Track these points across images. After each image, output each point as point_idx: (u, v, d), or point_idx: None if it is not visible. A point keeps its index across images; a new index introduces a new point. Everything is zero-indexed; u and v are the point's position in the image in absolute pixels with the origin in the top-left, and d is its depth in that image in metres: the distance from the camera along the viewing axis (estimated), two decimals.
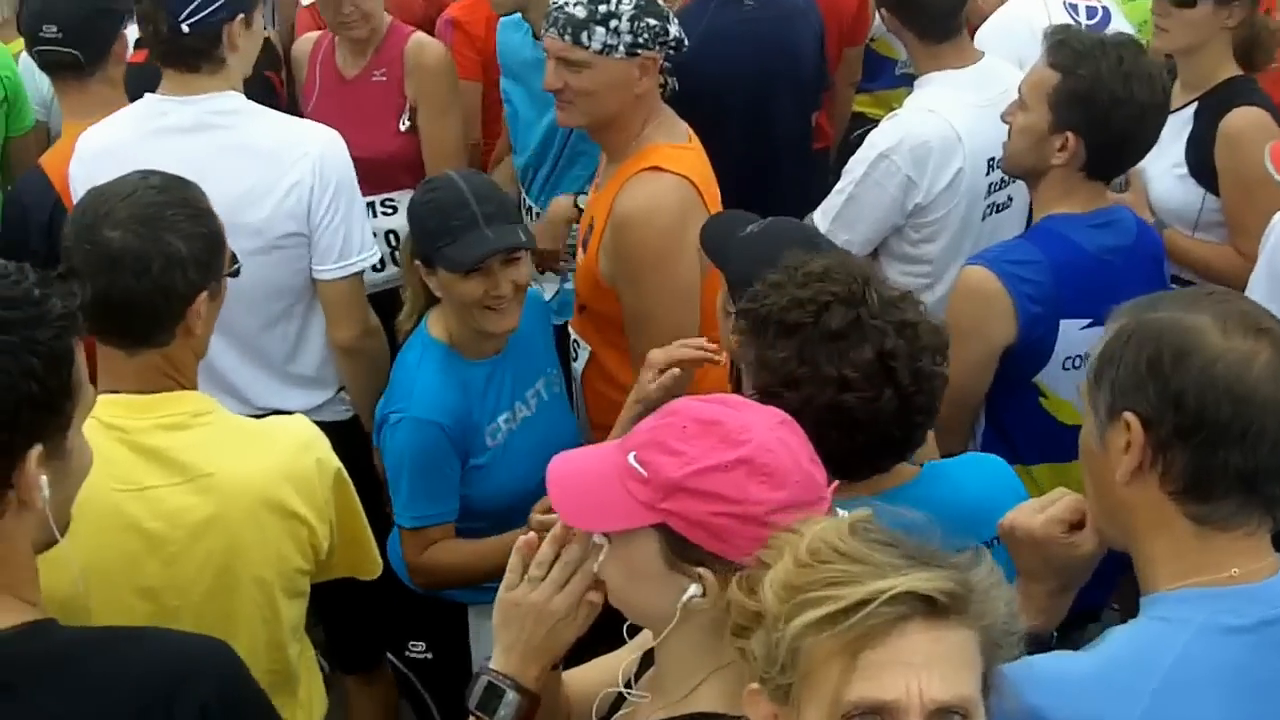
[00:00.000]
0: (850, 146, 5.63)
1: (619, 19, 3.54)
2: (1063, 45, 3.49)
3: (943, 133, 4.06)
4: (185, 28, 3.62)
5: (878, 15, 4.84)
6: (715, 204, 3.66)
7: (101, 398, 2.44)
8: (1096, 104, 3.42)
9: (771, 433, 2.02)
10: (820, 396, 2.43)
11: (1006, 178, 4.11)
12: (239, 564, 2.67)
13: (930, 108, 4.11)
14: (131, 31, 4.81)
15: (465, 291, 3.36)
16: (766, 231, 3.01)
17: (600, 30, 3.54)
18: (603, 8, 3.54)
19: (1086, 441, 2.11)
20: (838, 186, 4.21)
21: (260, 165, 3.63)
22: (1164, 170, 4.19)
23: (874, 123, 5.74)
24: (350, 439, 3.67)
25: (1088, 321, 3.44)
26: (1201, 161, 4.16)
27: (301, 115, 4.75)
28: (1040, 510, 2.26)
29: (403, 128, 4.60)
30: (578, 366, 3.88)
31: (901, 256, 4.21)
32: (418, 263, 3.43)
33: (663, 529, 1.98)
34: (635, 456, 2.03)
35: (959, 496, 2.64)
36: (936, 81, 4.19)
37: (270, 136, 3.70)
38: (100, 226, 2.59)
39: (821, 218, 4.18)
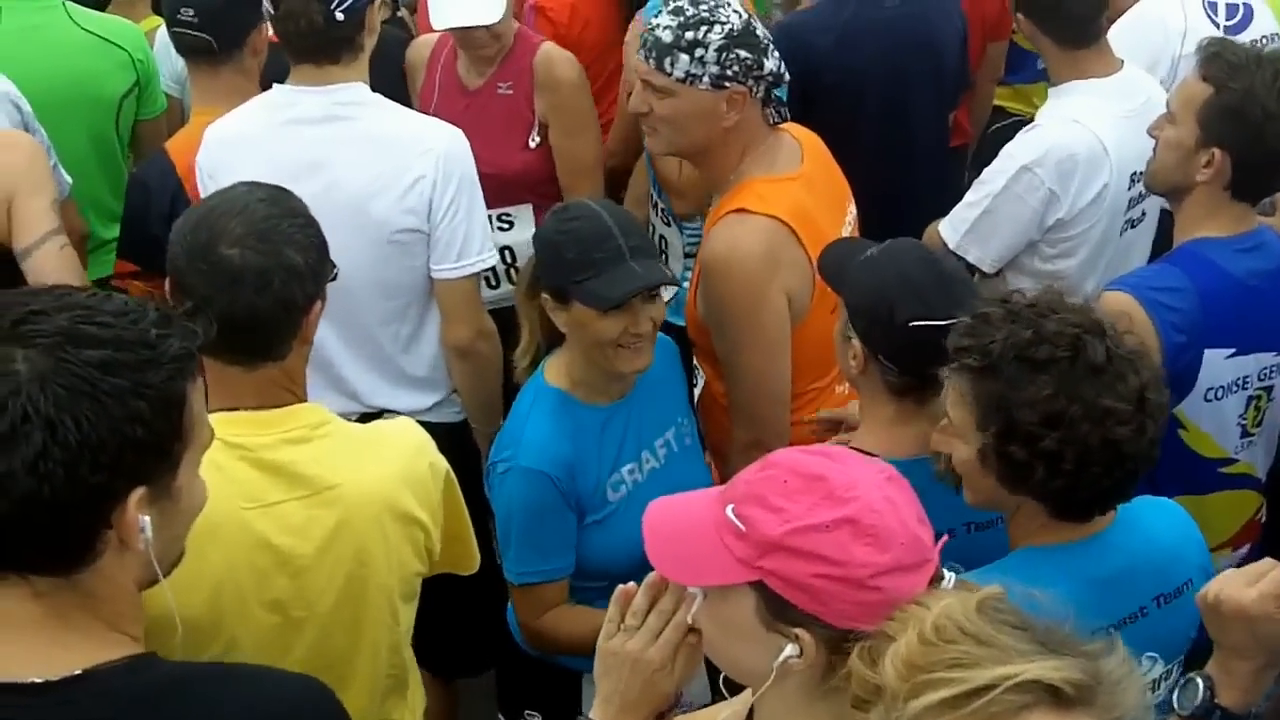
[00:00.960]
0: (988, 141, 5.57)
1: (705, 48, 3.42)
2: (1217, 58, 3.37)
3: (1089, 145, 3.94)
4: (340, 15, 3.60)
5: None
6: (820, 234, 3.47)
7: (221, 416, 2.46)
8: (1248, 120, 3.31)
9: (878, 491, 1.96)
10: (1094, 433, 2.42)
11: (1144, 192, 3.99)
12: (365, 572, 2.69)
13: (1075, 118, 3.97)
14: None
15: (602, 329, 3.15)
16: (887, 253, 2.95)
17: (685, 58, 3.42)
18: (690, 34, 3.43)
19: None
20: (969, 199, 4.07)
21: (384, 157, 3.62)
22: None
23: (1014, 117, 5.71)
24: (460, 442, 3.70)
25: (1233, 350, 3.38)
26: None
27: None
28: (1251, 583, 2.19)
29: (532, 144, 4.43)
30: (696, 391, 3.85)
31: (1033, 273, 4.05)
32: (545, 296, 3.23)
33: (760, 587, 1.93)
34: (734, 510, 1.99)
35: (1154, 545, 2.66)
36: (1079, 90, 4.05)
37: (395, 129, 3.70)
38: (216, 245, 2.58)
39: (951, 231, 4.06)
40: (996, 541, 2.87)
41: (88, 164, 4.77)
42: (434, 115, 4.17)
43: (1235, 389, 3.43)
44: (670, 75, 3.45)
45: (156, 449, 1.88)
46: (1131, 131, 3.87)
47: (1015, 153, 4.02)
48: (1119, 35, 4.70)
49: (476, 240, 3.70)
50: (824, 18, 4.64)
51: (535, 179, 4.40)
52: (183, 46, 4.28)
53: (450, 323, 3.77)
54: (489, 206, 3.85)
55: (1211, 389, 3.37)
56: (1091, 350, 2.45)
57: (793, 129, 3.69)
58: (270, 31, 4.21)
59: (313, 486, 2.62)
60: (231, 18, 4.19)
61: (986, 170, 4.10)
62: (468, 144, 3.73)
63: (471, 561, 3.01)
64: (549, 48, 4.50)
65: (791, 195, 3.51)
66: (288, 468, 2.61)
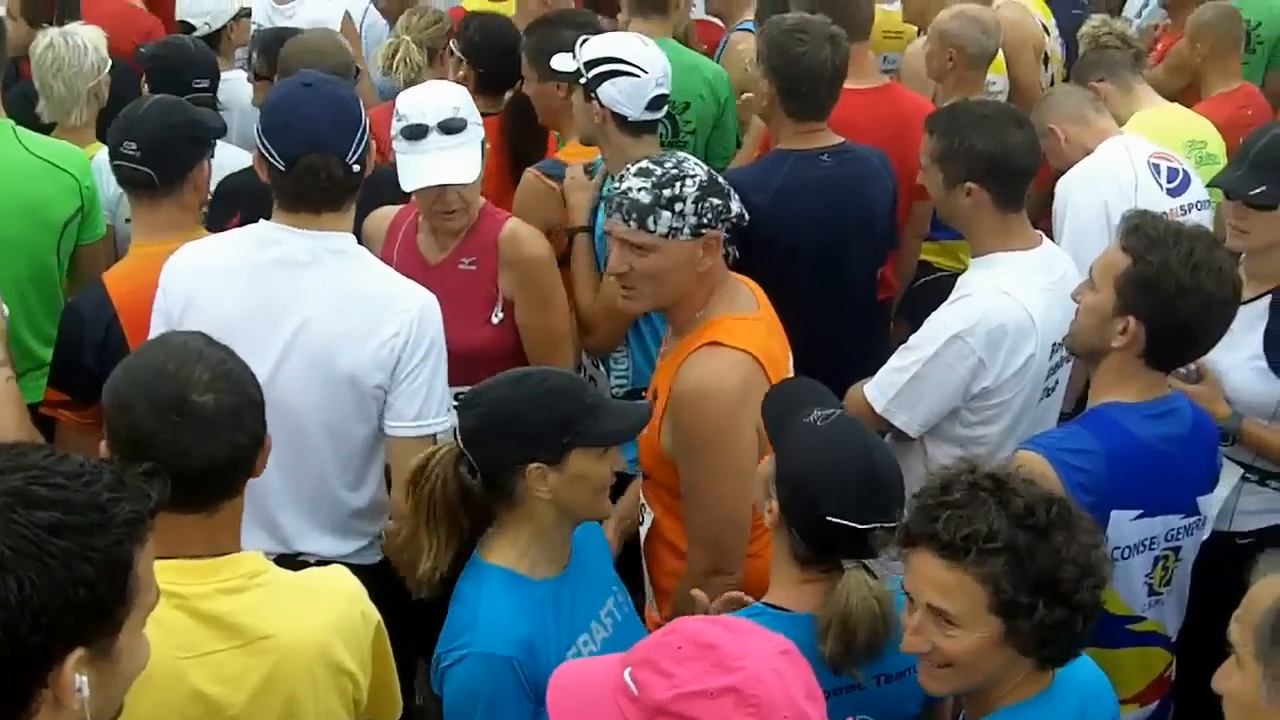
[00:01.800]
0: (914, 295, 5.72)
1: (684, 202, 3.57)
2: (1136, 230, 3.52)
3: (1018, 316, 4.01)
4: (356, 167, 3.65)
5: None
6: (780, 373, 3.66)
7: (160, 564, 2.43)
8: (1162, 291, 3.44)
9: (767, 663, 2.03)
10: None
11: (1060, 361, 4.11)
12: None
13: (1004, 289, 4.04)
14: (227, 159, 4.96)
15: (598, 472, 3.11)
16: (827, 434, 2.99)
17: (666, 215, 3.57)
18: (667, 192, 3.58)
19: (1247, 695, 2.14)
20: (897, 363, 4.13)
21: (361, 311, 3.64)
22: (1241, 362, 4.15)
23: (940, 272, 5.85)
24: (382, 582, 3.66)
25: (1139, 512, 3.49)
26: None
27: None
28: None
29: (494, 320, 4.34)
30: (643, 530, 3.88)
31: (953, 438, 4.12)
32: (532, 468, 3.04)
33: None
34: (630, 673, 2.06)
35: (1087, 690, 2.84)
36: (1005, 262, 4.12)
37: (376, 284, 3.72)
38: (188, 395, 2.61)
39: (879, 395, 4.12)
40: (908, 693, 2.97)
41: (26, 286, 4.84)
42: None
43: (1142, 549, 3.53)
44: (654, 233, 3.58)
45: (98, 612, 1.91)
46: (1053, 302, 4.00)
47: (946, 320, 4.07)
48: (1073, 186, 4.92)
49: (435, 402, 3.71)
50: (761, 175, 4.79)
51: (494, 355, 4.24)
52: (124, 179, 4.34)
53: (402, 481, 3.68)
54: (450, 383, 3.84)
55: (1118, 548, 3.46)
56: (1064, 509, 2.66)
57: (738, 276, 3.83)
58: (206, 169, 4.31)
59: (247, 636, 2.64)
60: (174, 153, 4.27)
61: (915, 336, 4.15)
62: (439, 309, 3.76)
63: (395, 709, 3.03)
64: (515, 224, 4.41)
65: (757, 333, 3.67)
66: (223, 618, 2.63)
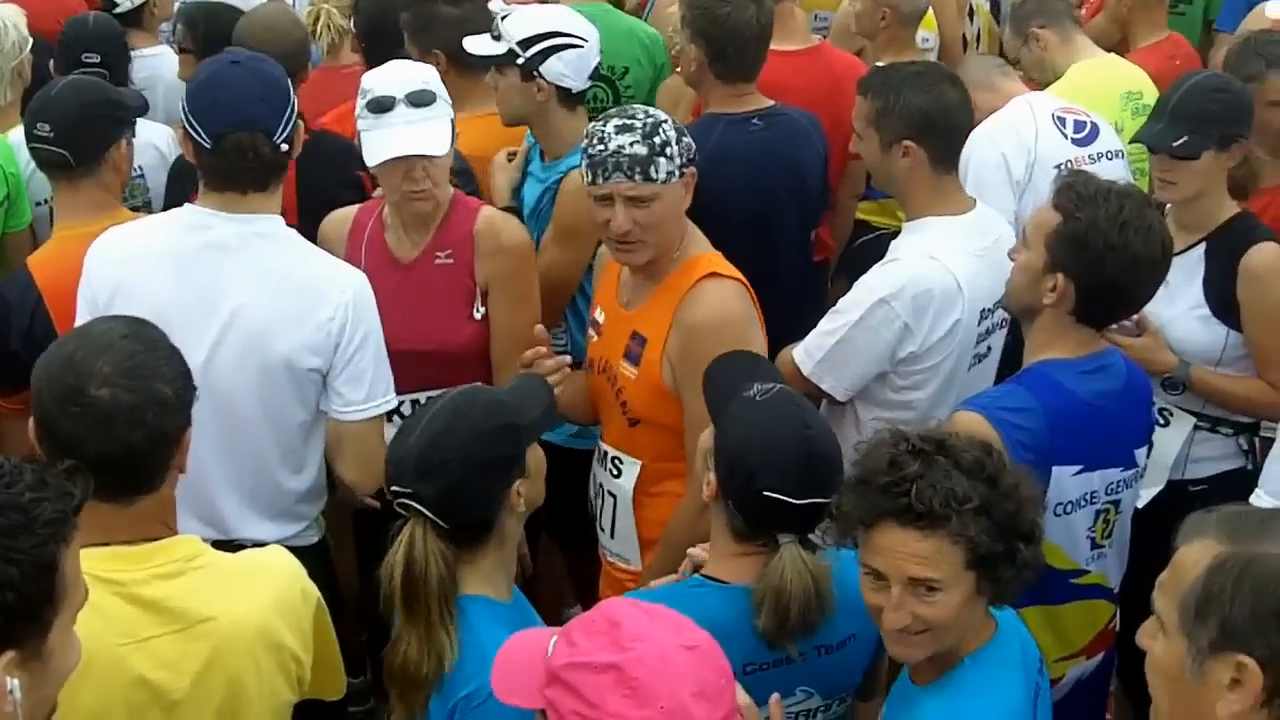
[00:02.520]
0: (851, 255, 5.72)
1: (671, 145, 3.68)
2: (1068, 189, 3.55)
3: (945, 281, 3.99)
4: (284, 146, 3.59)
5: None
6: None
7: (94, 551, 2.46)
8: (1090, 249, 3.47)
9: (662, 651, 2.07)
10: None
11: (991, 328, 4.12)
12: (238, 704, 2.70)
13: (932, 254, 4.02)
14: (152, 136, 4.89)
15: (540, 455, 3.12)
16: (765, 409, 2.99)
17: (663, 161, 3.66)
18: (657, 139, 3.67)
19: (1170, 665, 2.10)
20: (825, 327, 4.11)
21: (294, 295, 3.59)
22: (1182, 313, 4.22)
23: (877, 230, 5.85)
24: (321, 561, 3.71)
25: (1080, 467, 3.52)
26: (1223, 300, 4.20)
27: None
28: None
29: (477, 315, 4.14)
30: (623, 483, 3.87)
31: (883, 403, 4.10)
32: (516, 486, 2.98)
33: (543, 716, 2.05)
34: (554, 639, 2.12)
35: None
36: (935, 226, 4.10)
37: (307, 268, 3.67)
38: (86, 387, 2.58)
39: (806, 358, 4.09)
40: (850, 663, 3.01)
41: None
42: None
43: (1083, 504, 3.56)
44: (656, 180, 3.65)
45: (26, 614, 1.90)
46: (983, 268, 4.00)
47: (873, 285, 4.06)
48: (976, 141, 4.90)
49: (382, 382, 3.69)
50: (693, 139, 4.75)
51: (480, 352, 4.16)
52: (40, 161, 4.29)
53: (347, 463, 3.73)
54: (431, 387, 3.79)
55: (1060, 504, 3.50)
56: (997, 453, 2.75)
57: None
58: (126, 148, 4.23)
59: (186, 620, 2.62)
60: (88, 133, 4.22)
61: (842, 300, 4.14)
62: (371, 290, 3.71)
63: (339, 685, 3.03)
64: (491, 212, 4.25)
65: (731, 266, 3.81)
66: (161, 603, 2.61)
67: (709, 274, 3.72)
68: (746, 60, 4.86)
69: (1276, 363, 4.18)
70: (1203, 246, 4.24)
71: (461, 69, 4.83)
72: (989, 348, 4.21)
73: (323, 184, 4.75)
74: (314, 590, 2.86)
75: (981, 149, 4.90)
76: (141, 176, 5.13)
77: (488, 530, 2.96)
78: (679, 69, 5.54)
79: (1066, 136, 5.10)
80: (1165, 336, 4.20)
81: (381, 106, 3.98)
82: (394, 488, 2.94)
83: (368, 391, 3.66)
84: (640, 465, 3.84)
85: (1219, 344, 4.22)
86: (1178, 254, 4.10)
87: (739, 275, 3.79)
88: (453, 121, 4.07)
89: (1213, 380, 4.23)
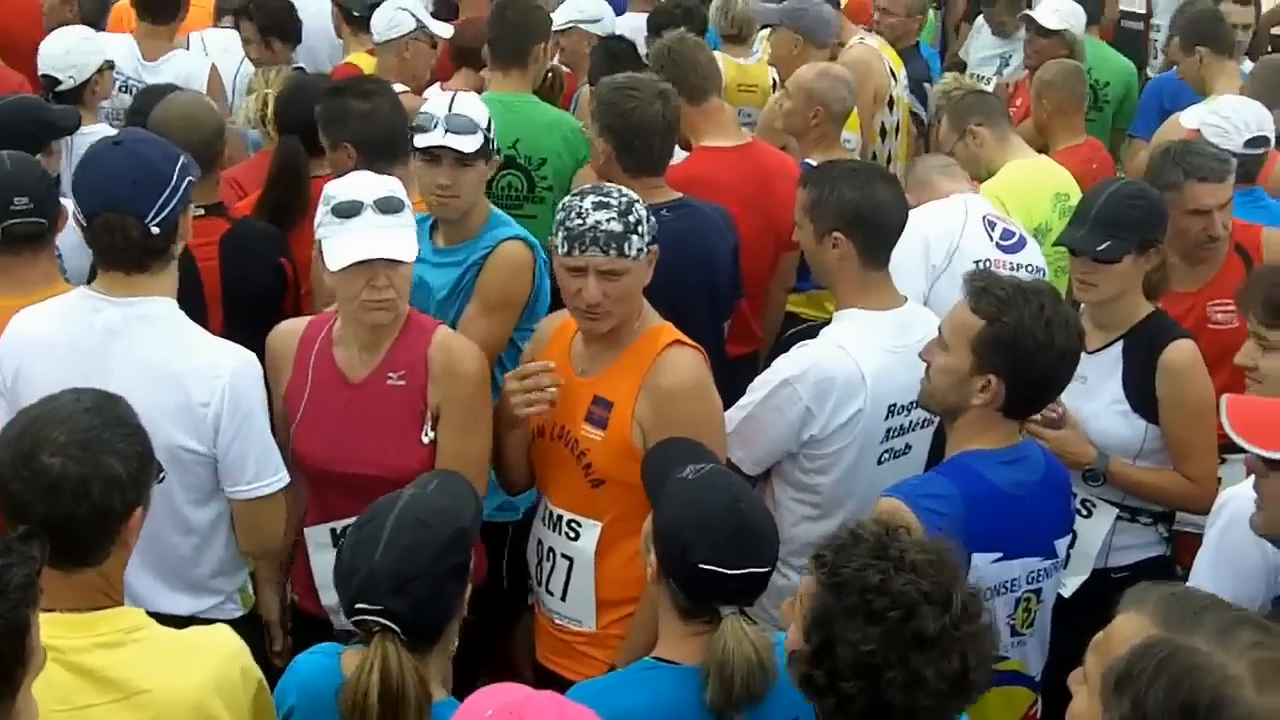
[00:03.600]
0: (781, 347, 5.78)
1: (643, 223, 3.83)
2: (985, 293, 3.64)
3: (848, 371, 4.08)
4: (155, 229, 3.60)
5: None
6: None
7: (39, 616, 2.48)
8: (1020, 350, 3.58)
9: None
10: (899, 695, 2.48)
11: (906, 425, 4.19)
12: None
13: (841, 344, 4.13)
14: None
15: None
16: (697, 486, 3.09)
17: (635, 238, 3.80)
18: (631, 218, 3.81)
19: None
20: (741, 402, 4.23)
21: (170, 382, 3.62)
22: (1103, 408, 4.33)
23: (807, 322, 5.95)
24: (243, 636, 3.68)
25: (998, 555, 3.60)
26: (1142, 396, 4.30)
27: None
28: None
29: (425, 440, 3.92)
30: (582, 545, 3.91)
31: (794, 483, 4.21)
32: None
33: None
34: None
35: None
36: (855, 319, 4.20)
37: (184, 353, 3.68)
38: (39, 453, 2.64)
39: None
40: None
41: None
42: (309, 412, 3.95)
43: (1004, 591, 3.65)
44: (629, 256, 3.78)
45: (2, 676, 1.95)
46: (898, 365, 4.07)
47: (781, 367, 4.18)
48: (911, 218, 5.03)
49: (269, 462, 3.73)
50: None
51: None
52: (16, 237, 4.26)
53: (241, 537, 3.82)
54: None
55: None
56: (923, 621, 2.50)
57: None
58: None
59: (124, 691, 2.65)
60: (54, 199, 4.30)
61: (757, 379, 4.27)
62: (258, 370, 3.75)
63: None
64: (446, 334, 4.05)
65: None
66: (99, 672, 2.64)
67: (674, 342, 3.89)
68: (653, 154, 4.98)
69: (1192, 456, 4.29)
70: (1120, 344, 4.36)
71: (371, 163, 4.72)
72: (907, 445, 4.24)
73: (247, 273, 4.80)
74: (255, 670, 2.90)
75: (906, 230, 5.01)
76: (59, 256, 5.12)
77: (441, 634, 2.97)
78: None
79: (992, 239, 5.22)
80: (1086, 431, 4.30)
81: (347, 211, 3.81)
82: (359, 605, 2.86)
83: (254, 472, 3.70)
84: (601, 526, 3.89)
85: (1138, 438, 4.32)
86: (1095, 351, 4.29)
87: (698, 345, 3.95)
88: (416, 229, 3.96)
89: (1130, 473, 4.34)
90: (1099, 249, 4.28)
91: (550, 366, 3.88)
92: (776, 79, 7.50)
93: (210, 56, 7.26)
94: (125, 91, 6.73)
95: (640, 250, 3.81)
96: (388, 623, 2.82)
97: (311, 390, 3.89)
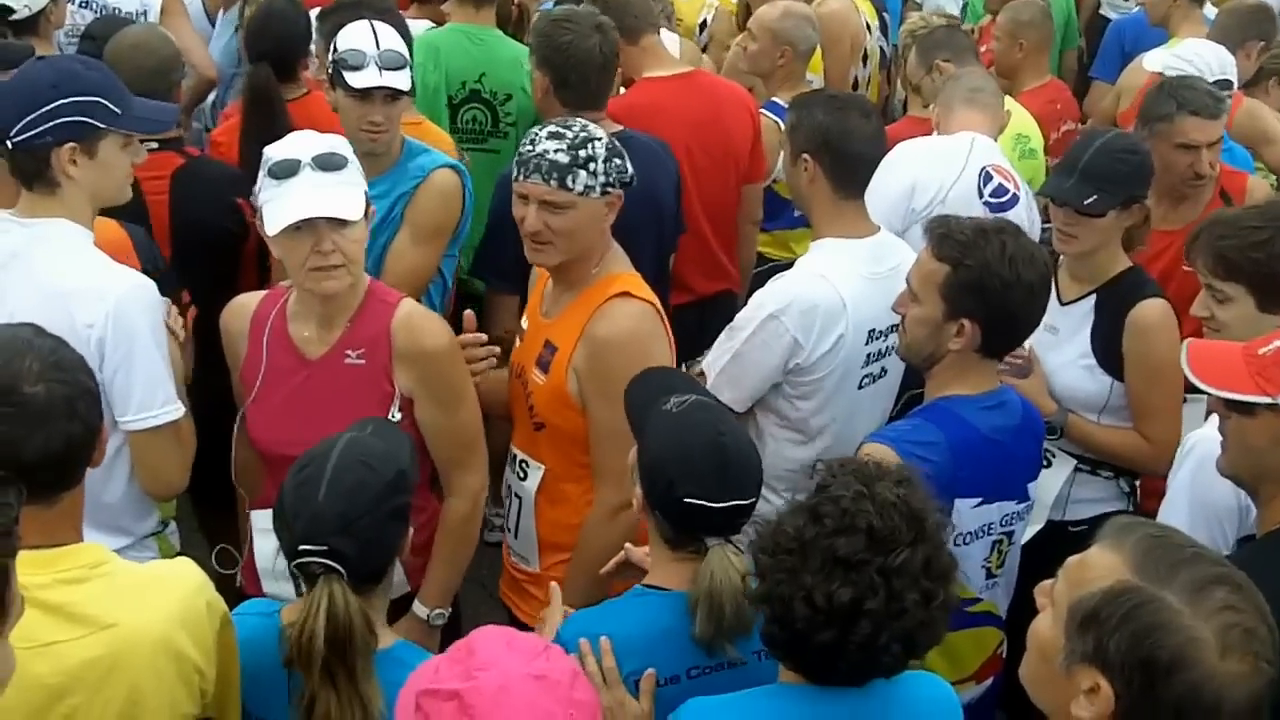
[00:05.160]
0: (752, 285, 5.76)
1: (596, 161, 3.72)
2: (946, 238, 3.62)
3: (830, 298, 4.10)
4: (9, 144, 3.55)
5: (782, 156, 4.76)
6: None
7: None
8: (989, 291, 3.56)
9: (505, 681, 2.16)
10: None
11: (884, 349, 4.19)
12: (138, 712, 2.67)
13: (821, 273, 4.15)
14: None
15: None
16: (681, 422, 3.04)
17: (583, 174, 3.70)
18: (582, 153, 3.71)
19: (1047, 645, 2.20)
20: (724, 343, 4.22)
21: (59, 305, 3.48)
22: (1069, 361, 4.30)
23: (772, 262, 5.91)
24: None
25: (979, 500, 3.61)
26: (1108, 352, 4.25)
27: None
28: None
29: (392, 420, 3.66)
30: (528, 485, 3.91)
31: (777, 411, 4.23)
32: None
33: None
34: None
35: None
36: (832, 249, 4.22)
37: (75, 275, 3.57)
38: (19, 385, 2.58)
39: (709, 371, 4.23)
40: (728, 684, 2.96)
41: None
42: (264, 393, 3.72)
43: (981, 534, 3.65)
44: (571, 191, 3.69)
45: None
46: (875, 291, 4.10)
47: (763, 301, 4.17)
48: (899, 153, 5.02)
49: (158, 392, 3.59)
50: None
51: None
52: None
53: (142, 475, 3.68)
54: None
55: (960, 535, 3.57)
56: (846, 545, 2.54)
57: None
58: None
59: (89, 626, 2.60)
60: None
61: (738, 317, 4.26)
62: (150, 294, 3.62)
63: (238, 713, 2.98)
64: (410, 308, 3.76)
65: (647, 288, 3.86)
66: (64, 608, 2.59)
67: (621, 293, 3.78)
68: (590, 88, 4.93)
69: (1152, 415, 4.23)
70: (1093, 298, 4.32)
71: None
72: (884, 369, 4.27)
73: (198, 210, 4.66)
74: (220, 604, 2.85)
75: (899, 165, 4.98)
76: None
77: (383, 576, 2.93)
78: None
79: (982, 195, 5.15)
80: (1051, 383, 4.28)
81: (283, 171, 3.54)
82: (304, 546, 2.78)
83: (139, 402, 3.57)
84: (544, 469, 3.88)
85: (1103, 394, 4.29)
86: (1068, 303, 4.28)
87: (651, 298, 3.84)
88: (367, 195, 3.65)
89: (1088, 429, 4.30)
90: (1085, 202, 4.21)
91: (481, 339, 3.91)
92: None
93: None
94: (86, 7, 6.61)
95: (590, 188, 3.71)
96: (333, 563, 2.75)
97: (266, 368, 3.69)
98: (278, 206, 3.51)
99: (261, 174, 3.61)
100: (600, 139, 3.78)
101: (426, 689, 2.18)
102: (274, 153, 3.61)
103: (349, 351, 3.67)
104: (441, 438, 3.75)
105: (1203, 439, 3.46)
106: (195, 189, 4.84)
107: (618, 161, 3.78)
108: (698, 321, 5.37)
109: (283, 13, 5.54)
